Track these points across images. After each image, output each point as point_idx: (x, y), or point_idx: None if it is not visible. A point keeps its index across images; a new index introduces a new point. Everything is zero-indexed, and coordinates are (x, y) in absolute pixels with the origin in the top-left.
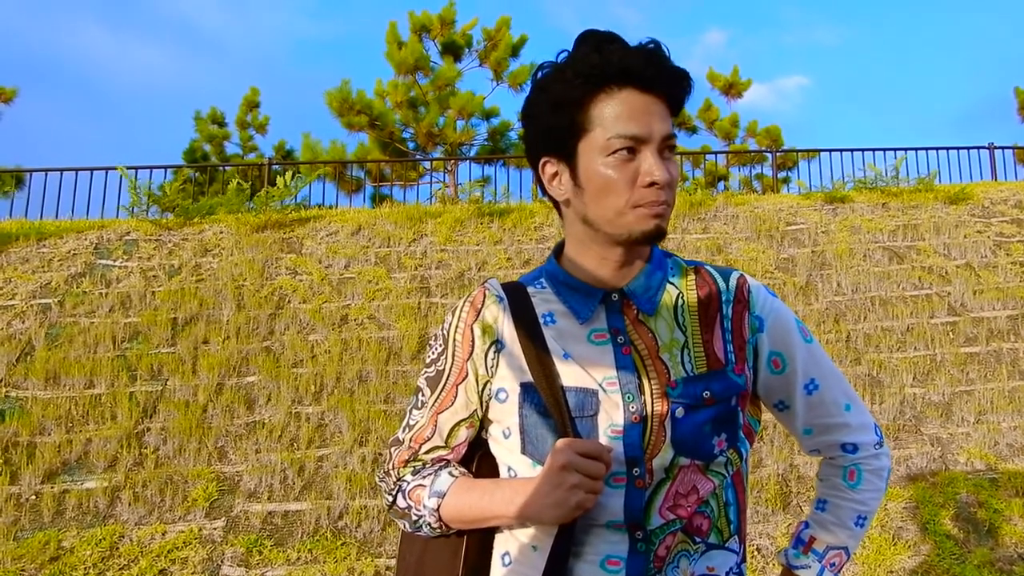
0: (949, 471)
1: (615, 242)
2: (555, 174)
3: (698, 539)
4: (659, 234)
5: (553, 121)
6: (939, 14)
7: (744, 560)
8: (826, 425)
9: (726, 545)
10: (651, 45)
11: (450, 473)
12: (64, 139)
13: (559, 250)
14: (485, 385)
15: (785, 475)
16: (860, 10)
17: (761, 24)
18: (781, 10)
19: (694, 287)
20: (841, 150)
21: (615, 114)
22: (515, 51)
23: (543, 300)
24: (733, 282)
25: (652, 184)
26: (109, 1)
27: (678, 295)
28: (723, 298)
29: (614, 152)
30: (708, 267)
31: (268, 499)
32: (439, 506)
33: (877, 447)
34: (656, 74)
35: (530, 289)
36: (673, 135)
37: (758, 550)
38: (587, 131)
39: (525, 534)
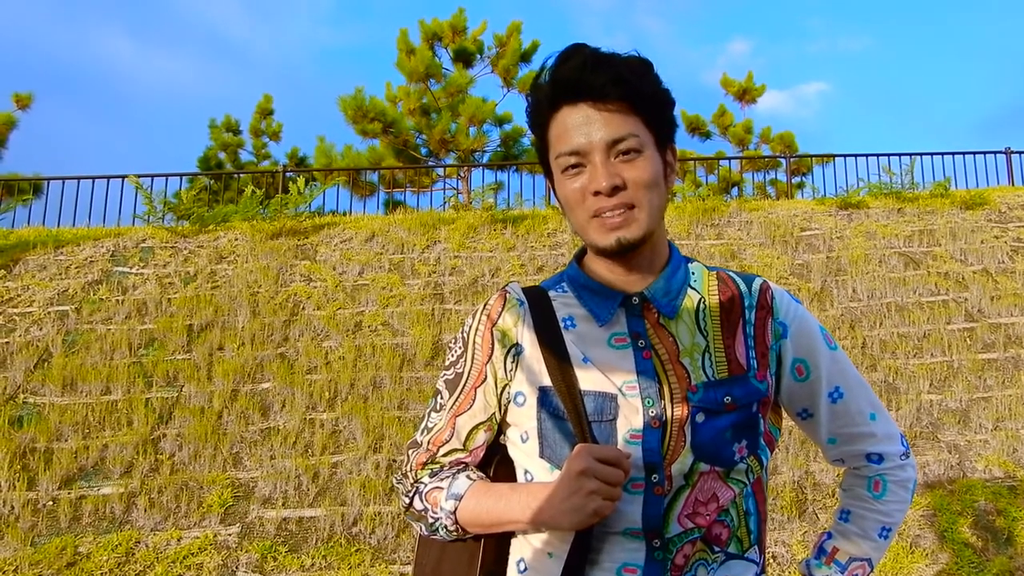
0: (967, 478)
1: (597, 253)
2: (553, 188)
3: (717, 548)
4: (621, 245)
5: (536, 142)
6: (961, 23)
7: (764, 571)
8: (851, 434)
9: (746, 555)
10: (574, 57)
11: (468, 476)
12: (87, 146)
13: (581, 254)
14: (504, 388)
15: (801, 482)
16: (884, 18)
17: (785, 33)
18: (806, 20)
19: (716, 291)
20: (856, 155)
21: (555, 134)
22: (526, 57)
23: (564, 304)
24: (756, 288)
25: (597, 193)
26: (136, 10)
27: (700, 299)
28: (746, 303)
29: (564, 171)
30: (731, 272)
31: (283, 505)
32: (456, 509)
33: (903, 458)
34: (577, 83)
35: (552, 293)
36: (626, 136)
37: (773, 558)
38: (550, 152)
39: (541, 540)
